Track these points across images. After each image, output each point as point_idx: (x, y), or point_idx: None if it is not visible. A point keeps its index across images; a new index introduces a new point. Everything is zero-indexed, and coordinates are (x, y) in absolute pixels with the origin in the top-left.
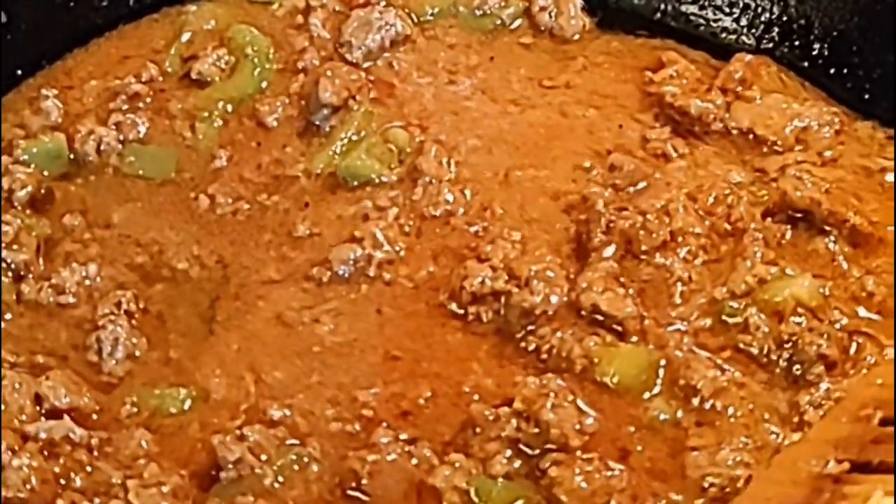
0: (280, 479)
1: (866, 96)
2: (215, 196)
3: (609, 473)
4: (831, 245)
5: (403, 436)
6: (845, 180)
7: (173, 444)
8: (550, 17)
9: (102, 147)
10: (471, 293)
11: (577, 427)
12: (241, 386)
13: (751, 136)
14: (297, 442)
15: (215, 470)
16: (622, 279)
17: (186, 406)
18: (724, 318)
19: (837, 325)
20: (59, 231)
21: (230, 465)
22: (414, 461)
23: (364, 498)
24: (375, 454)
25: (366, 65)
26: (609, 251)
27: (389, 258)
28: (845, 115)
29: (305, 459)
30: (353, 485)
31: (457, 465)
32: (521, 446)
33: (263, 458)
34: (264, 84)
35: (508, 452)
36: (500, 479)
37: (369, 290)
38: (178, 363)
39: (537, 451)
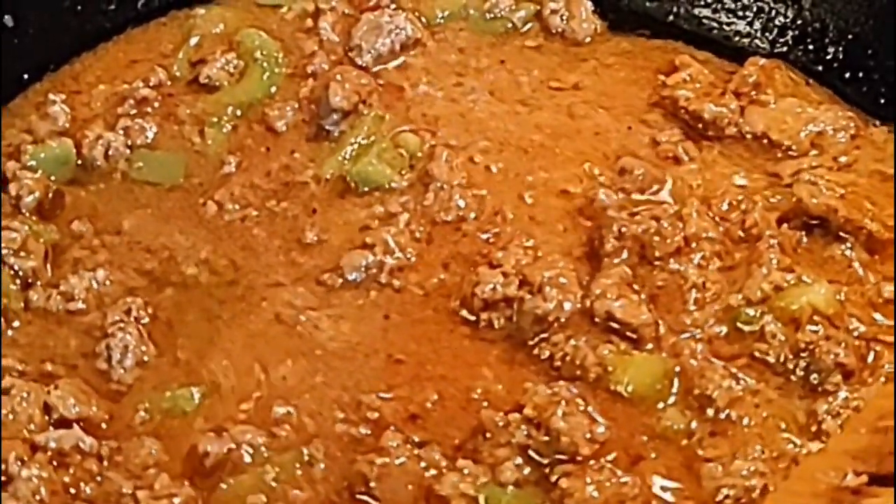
0: (283, 477)
1: (882, 100)
2: (224, 202)
3: (620, 481)
4: (847, 252)
5: (415, 438)
6: (860, 185)
7: (181, 445)
8: (562, 20)
9: (110, 152)
10: (482, 300)
11: (588, 436)
12: (250, 382)
13: (765, 141)
14: (300, 442)
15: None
16: (636, 285)
17: (197, 402)
18: (739, 325)
19: (855, 333)
20: (67, 237)
21: (219, 462)
22: (423, 465)
23: (372, 502)
24: (384, 457)
25: (376, 69)
26: (622, 257)
27: (400, 265)
28: (860, 119)
29: (307, 457)
30: (362, 488)
31: (465, 471)
32: (531, 453)
33: (266, 454)
34: (273, 88)
35: (518, 459)
36: (510, 487)
37: (378, 296)
38: (186, 363)
39: (547, 460)
